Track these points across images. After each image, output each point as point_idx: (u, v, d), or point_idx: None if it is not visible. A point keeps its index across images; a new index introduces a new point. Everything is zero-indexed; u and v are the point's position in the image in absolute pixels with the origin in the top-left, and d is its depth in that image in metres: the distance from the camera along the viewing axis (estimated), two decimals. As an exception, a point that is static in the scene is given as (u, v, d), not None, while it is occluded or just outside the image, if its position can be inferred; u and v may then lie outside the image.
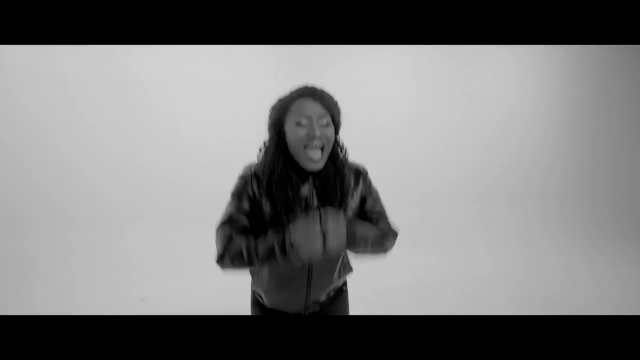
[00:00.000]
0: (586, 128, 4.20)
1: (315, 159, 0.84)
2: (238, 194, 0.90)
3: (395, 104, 3.62)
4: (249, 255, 0.82)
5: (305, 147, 0.83)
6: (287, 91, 0.90)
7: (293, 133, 0.84)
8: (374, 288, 2.78)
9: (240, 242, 0.84)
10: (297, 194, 0.87)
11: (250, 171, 0.90)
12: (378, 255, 0.96)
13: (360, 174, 0.98)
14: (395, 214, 3.93)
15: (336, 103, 0.91)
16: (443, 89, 3.72)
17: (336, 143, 0.93)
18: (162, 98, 3.02)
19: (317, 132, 0.82)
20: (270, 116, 0.90)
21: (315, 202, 0.89)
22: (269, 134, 0.91)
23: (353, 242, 0.84)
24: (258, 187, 0.89)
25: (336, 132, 0.91)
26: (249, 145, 2.98)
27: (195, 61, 3.05)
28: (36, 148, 2.80)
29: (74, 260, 2.82)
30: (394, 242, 0.98)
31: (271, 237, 0.82)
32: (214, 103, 3.13)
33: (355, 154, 3.69)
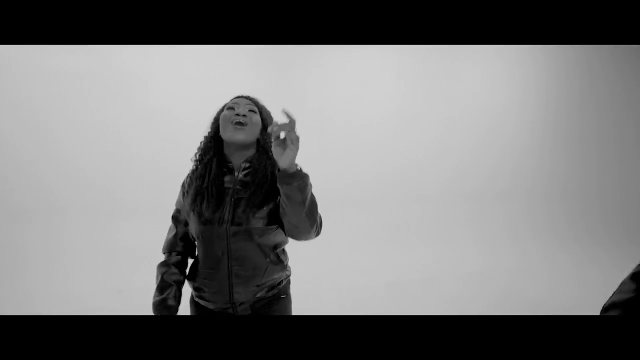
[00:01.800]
0: (574, 128, 4.23)
1: (239, 134, 0.94)
2: (182, 186, 1.05)
3: (382, 105, 3.62)
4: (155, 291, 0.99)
5: (232, 122, 0.94)
6: None
7: (223, 116, 0.96)
8: (359, 285, 2.76)
9: (158, 274, 1.00)
10: (215, 182, 0.94)
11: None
12: (303, 221, 0.88)
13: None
14: (383, 213, 3.93)
15: (265, 108, 1.04)
16: (430, 89, 3.72)
17: (266, 138, 1.01)
18: (157, 94, 3.06)
19: (241, 110, 0.95)
20: (213, 121, 1.03)
21: (236, 193, 0.94)
22: (210, 131, 1.03)
23: (294, 176, 0.83)
24: (187, 177, 1.03)
25: (264, 128, 1.01)
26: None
27: (193, 59, 3.10)
28: (34, 142, 2.81)
29: (69, 253, 2.82)
30: (319, 229, 0.96)
31: (155, 294, 0.98)
32: (207, 100, 3.08)
33: (343, 155, 3.66)
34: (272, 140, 0.83)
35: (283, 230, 0.96)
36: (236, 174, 0.97)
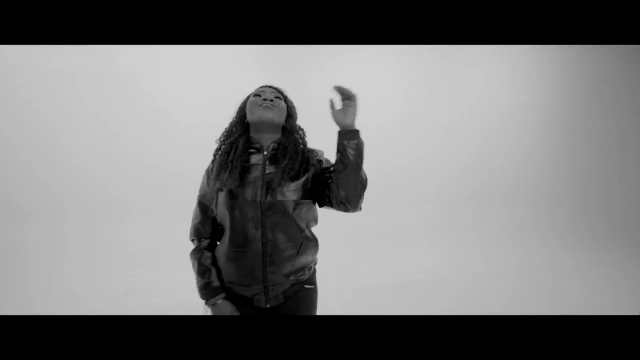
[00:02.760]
0: (578, 130, 4.22)
1: (267, 113, 0.97)
2: (206, 170, 1.04)
3: (385, 106, 3.62)
4: (196, 275, 0.99)
5: (260, 105, 0.98)
6: None
7: (250, 102, 1.00)
8: (364, 286, 2.77)
9: (194, 261, 1.00)
10: (240, 157, 0.95)
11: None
12: (355, 185, 0.89)
13: (316, 152, 1.05)
14: (386, 214, 3.91)
15: (288, 98, 1.08)
16: (432, 90, 3.72)
17: (294, 124, 1.06)
18: (159, 94, 3.07)
19: (268, 95, 1.00)
20: (238, 109, 1.07)
21: (266, 169, 0.94)
22: (235, 118, 1.06)
23: (356, 132, 0.89)
24: (213, 162, 1.03)
25: (289, 115, 1.06)
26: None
27: (191, 60, 3.12)
28: (35, 142, 2.83)
29: (69, 252, 2.84)
30: (361, 204, 0.96)
31: (198, 279, 0.99)
32: (207, 99, 3.14)
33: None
34: (330, 107, 0.90)
35: (319, 204, 1.00)
36: (265, 152, 0.97)
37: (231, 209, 0.91)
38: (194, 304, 1.18)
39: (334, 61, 3.43)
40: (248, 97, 1.05)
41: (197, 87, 3.12)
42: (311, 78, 3.35)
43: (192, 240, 1.04)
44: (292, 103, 1.09)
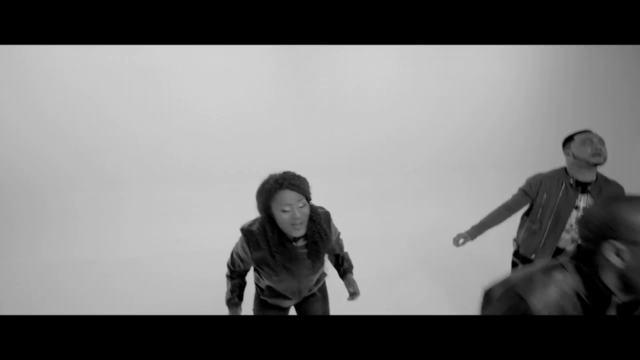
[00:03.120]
0: (565, 104, 4.41)
1: (299, 233, 1.16)
2: (236, 253, 1.33)
3: (384, 86, 3.93)
4: (227, 292, 1.43)
5: (292, 225, 1.13)
6: (268, 179, 1.17)
7: (281, 217, 1.13)
8: (362, 238, 3.46)
9: (228, 285, 1.42)
10: (289, 248, 1.22)
11: (243, 235, 1.26)
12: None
13: (328, 217, 1.36)
14: (385, 181, 4.46)
15: (306, 183, 1.18)
16: (428, 68, 3.96)
17: (312, 210, 1.23)
18: (175, 91, 3.53)
19: (298, 215, 1.12)
20: (259, 201, 1.18)
21: (305, 251, 1.26)
22: (261, 215, 1.22)
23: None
24: (248, 244, 1.24)
25: (308, 201, 1.21)
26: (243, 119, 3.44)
27: (210, 58, 3.51)
28: (90, 123, 3.48)
29: (120, 214, 3.67)
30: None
31: (227, 294, 1.40)
32: (209, 87, 3.61)
33: (349, 128, 4.03)
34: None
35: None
36: (294, 243, 1.24)
37: (276, 283, 1.32)
38: (223, 250, 1.85)
39: (338, 53, 3.73)
40: (268, 196, 1.14)
41: (199, 73, 3.52)
42: (312, 58, 3.66)
43: (228, 267, 1.41)
44: (309, 192, 1.20)
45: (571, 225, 1.61)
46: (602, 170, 1.63)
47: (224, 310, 1.44)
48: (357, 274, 1.57)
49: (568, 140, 1.66)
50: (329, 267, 1.50)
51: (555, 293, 0.74)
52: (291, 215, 1.11)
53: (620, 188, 1.58)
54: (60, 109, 3.32)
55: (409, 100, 4.01)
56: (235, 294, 1.40)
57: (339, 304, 1.76)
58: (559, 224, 1.62)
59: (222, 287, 1.49)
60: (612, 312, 0.73)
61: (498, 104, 4.23)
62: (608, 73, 4.42)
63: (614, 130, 4.51)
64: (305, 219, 1.16)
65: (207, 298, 2.44)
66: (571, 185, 1.59)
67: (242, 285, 1.43)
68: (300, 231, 1.15)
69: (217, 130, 3.65)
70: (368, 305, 2.22)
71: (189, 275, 2.91)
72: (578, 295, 0.74)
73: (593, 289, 0.73)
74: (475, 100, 4.15)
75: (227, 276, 1.41)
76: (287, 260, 1.20)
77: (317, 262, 1.29)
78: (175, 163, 3.71)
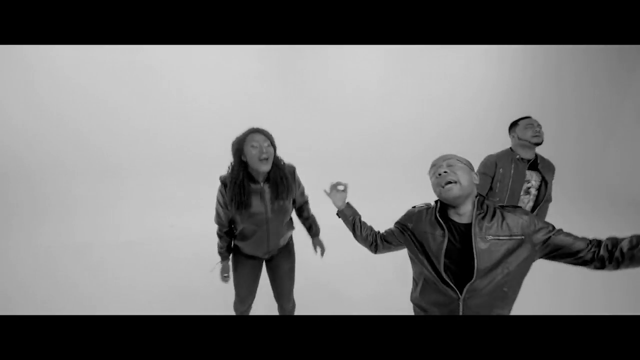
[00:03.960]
0: (547, 102, 4.59)
1: (266, 167, 1.38)
2: (217, 202, 1.51)
3: (371, 82, 4.10)
4: (218, 246, 1.66)
5: (260, 159, 1.36)
6: (241, 132, 1.42)
7: (250, 153, 1.37)
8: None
9: (218, 243, 1.65)
10: (249, 192, 1.43)
11: (220, 182, 1.47)
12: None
13: (293, 170, 1.57)
14: (372, 173, 4.65)
15: (272, 136, 1.44)
16: (415, 67, 4.13)
17: (277, 158, 1.49)
18: (172, 85, 3.74)
19: (264, 150, 1.37)
20: (233, 147, 1.41)
21: (267, 194, 1.46)
22: (234, 158, 1.43)
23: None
24: (224, 187, 1.45)
25: (274, 148, 1.44)
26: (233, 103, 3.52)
27: (205, 57, 3.71)
28: (92, 114, 3.68)
29: (118, 202, 3.86)
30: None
31: (218, 248, 1.65)
32: (205, 83, 3.81)
33: (340, 122, 4.23)
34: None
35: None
36: (261, 184, 1.44)
37: (248, 224, 1.50)
38: (210, 234, 1.99)
39: (331, 51, 3.88)
40: (242, 140, 1.37)
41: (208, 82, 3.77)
42: (302, 58, 3.80)
43: (217, 224, 1.60)
44: (274, 142, 1.42)
45: (525, 192, 1.84)
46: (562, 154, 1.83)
47: (213, 289, 1.60)
48: (339, 260, 1.68)
49: (513, 125, 1.91)
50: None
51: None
52: (259, 150, 1.35)
53: (552, 166, 1.85)
54: (61, 102, 3.49)
55: (396, 98, 4.16)
56: (224, 249, 1.64)
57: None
58: (515, 195, 1.84)
59: (209, 265, 1.65)
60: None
61: (482, 101, 4.40)
62: (588, 72, 4.57)
63: (591, 123, 4.69)
64: (271, 156, 1.38)
65: (197, 277, 2.63)
66: (519, 159, 1.82)
67: (230, 242, 1.66)
68: (266, 166, 1.37)
69: (209, 125, 3.81)
70: (348, 296, 2.38)
71: (181, 255, 3.10)
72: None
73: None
74: (460, 97, 4.31)
75: (217, 234, 1.62)
76: (247, 194, 1.41)
77: (281, 212, 1.51)
78: (169, 153, 3.86)
